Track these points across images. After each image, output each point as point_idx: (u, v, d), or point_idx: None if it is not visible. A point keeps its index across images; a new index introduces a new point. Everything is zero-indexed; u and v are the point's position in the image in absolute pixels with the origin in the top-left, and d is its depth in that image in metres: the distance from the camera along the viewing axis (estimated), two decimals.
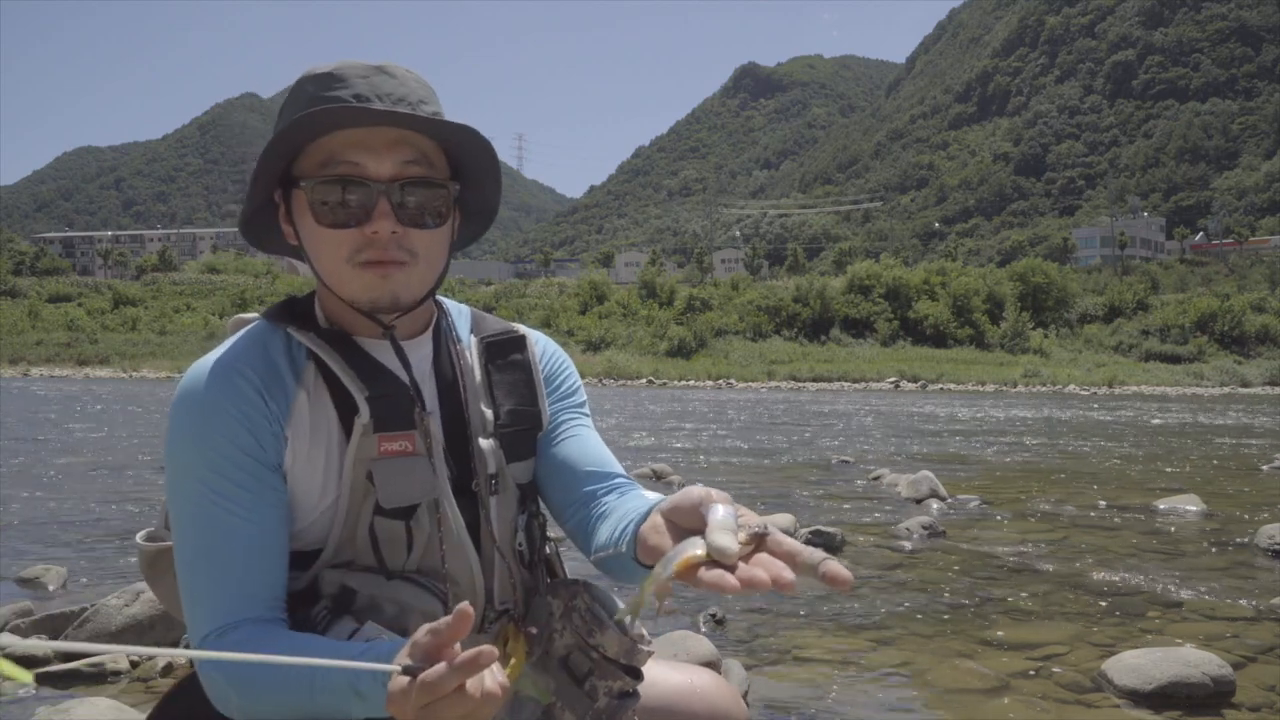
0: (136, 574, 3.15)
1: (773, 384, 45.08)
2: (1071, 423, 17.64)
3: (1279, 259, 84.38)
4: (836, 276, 70.92)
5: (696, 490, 0.91)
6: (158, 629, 3.05)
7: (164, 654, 0.64)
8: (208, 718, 1.06)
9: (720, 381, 45.38)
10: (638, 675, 1.16)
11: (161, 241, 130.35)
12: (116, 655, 2.87)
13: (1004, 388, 43.59)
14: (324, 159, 1.06)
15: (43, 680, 2.74)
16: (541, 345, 1.31)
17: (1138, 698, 2.66)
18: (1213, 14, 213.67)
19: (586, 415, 1.31)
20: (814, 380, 46.80)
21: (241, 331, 1.14)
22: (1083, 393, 39.25)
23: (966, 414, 20.43)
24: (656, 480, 7.59)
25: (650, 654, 1.16)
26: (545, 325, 57.80)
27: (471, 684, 0.78)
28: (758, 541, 0.83)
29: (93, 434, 12.33)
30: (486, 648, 0.77)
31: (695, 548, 0.84)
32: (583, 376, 1.37)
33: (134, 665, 2.86)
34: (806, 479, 8.16)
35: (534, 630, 1.16)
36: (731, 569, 0.80)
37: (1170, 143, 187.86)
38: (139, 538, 1.24)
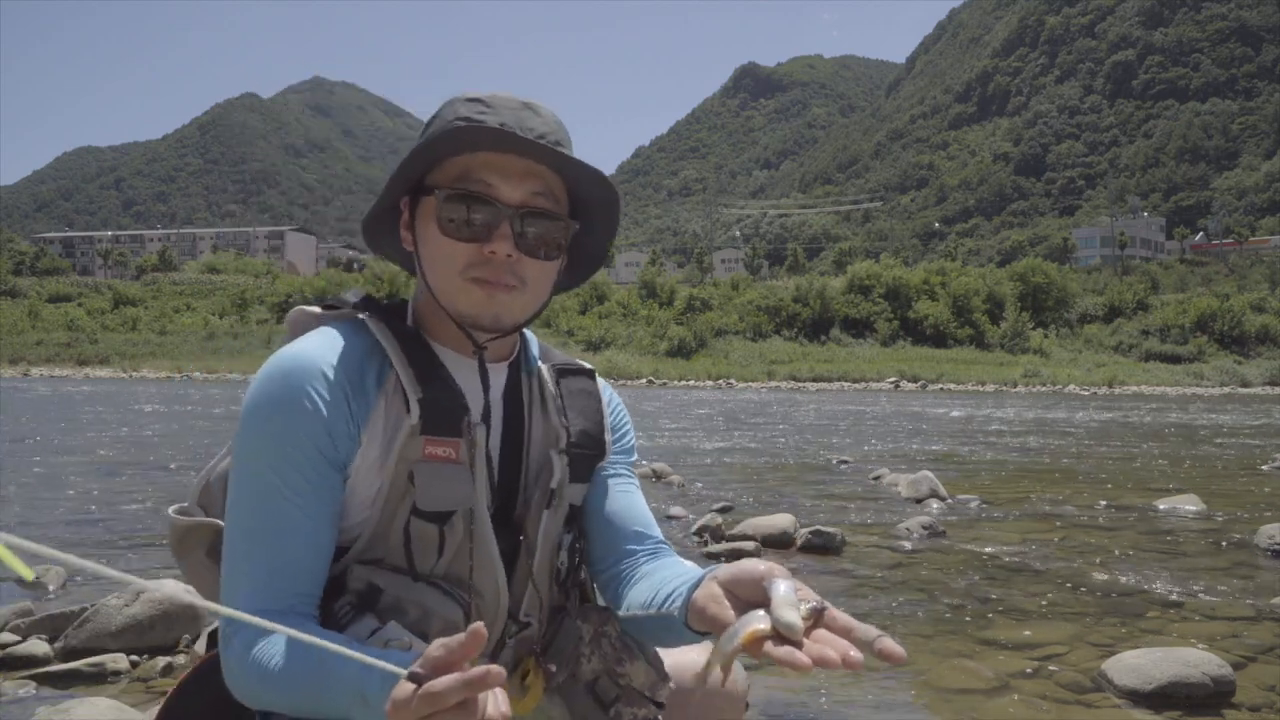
0: (136, 574, 3.14)
1: (773, 384, 45.11)
2: (1071, 423, 17.64)
3: (1279, 259, 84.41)
4: (836, 276, 71.01)
5: (759, 565, 0.94)
6: (158, 629, 3.05)
7: (194, 603, 0.63)
8: (216, 715, 1.07)
9: (720, 381, 45.41)
10: (660, 706, 1.18)
11: (161, 241, 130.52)
12: (116, 656, 2.88)
13: (1004, 388, 43.62)
14: (459, 174, 1.11)
15: (43, 680, 2.74)
16: (608, 390, 1.35)
17: (1138, 698, 2.66)
18: (1213, 14, 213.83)
19: (634, 474, 1.35)
20: (814, 380, 46.85)
21: (329, 326, 1.15)
22: (1083, 393, 39.27)
23: (966, 414, 20.44)
24: (656, 480, 7.58)
25: (670, 690, 1.19)
26: (545, 325, 57.83)
27: (475, 702, 0.78)
28: (816, 617, 0.87)
29: (93, 434, 12.33)
30: (496, 667, 0.76)
31: (759, 622, 0.87)
32: None
33: (134, 665, 2.86)
34: (807, 479, 8.16)
35: (553, 667, 1.18)
36: (797, 644, 0.84)
37: (1170, 143, 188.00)
38: (171, 511, 1.25)
